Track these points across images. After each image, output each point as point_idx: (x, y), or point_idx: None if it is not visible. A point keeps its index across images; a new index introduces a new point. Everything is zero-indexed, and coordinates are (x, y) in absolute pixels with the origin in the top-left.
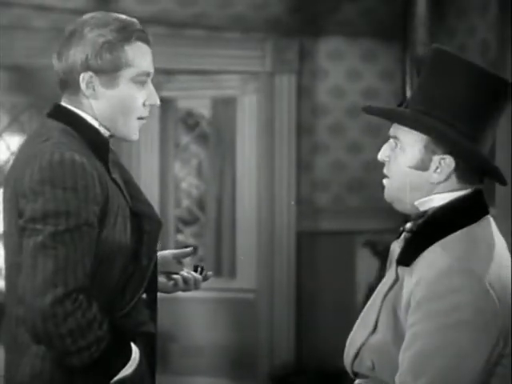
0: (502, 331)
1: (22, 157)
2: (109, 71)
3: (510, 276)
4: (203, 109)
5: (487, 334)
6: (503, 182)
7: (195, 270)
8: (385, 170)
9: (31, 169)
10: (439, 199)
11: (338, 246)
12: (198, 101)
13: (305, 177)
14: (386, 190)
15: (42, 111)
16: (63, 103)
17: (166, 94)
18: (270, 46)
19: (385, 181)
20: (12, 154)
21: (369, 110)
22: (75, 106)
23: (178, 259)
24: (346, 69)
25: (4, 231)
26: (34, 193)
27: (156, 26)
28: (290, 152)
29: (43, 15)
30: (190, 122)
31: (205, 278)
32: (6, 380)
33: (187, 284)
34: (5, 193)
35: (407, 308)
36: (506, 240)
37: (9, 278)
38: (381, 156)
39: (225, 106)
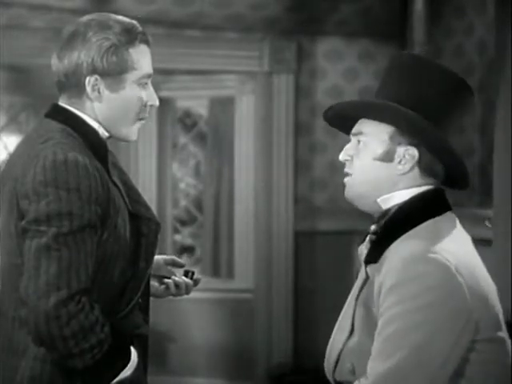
0: (473, 316)
1: (22, 157)
2: (114, 74)
3: (479, 268)
4: (201, 109)
5: (456, 315)
6: (464, 182)
7: (186, 275)
8: (346, 169)
9: (33, 169)
10: (401, 196)
11: (336, 245)
12: (195, 101)
13: (303, 176)
14: (347, 188)
15: (40, 111)
16: (61, 104)
17: (163, 93)
18: (268, 46)
19: (346, 179)
20: (10, 154)
21: (334, 107)
22: (75, 107)
23: (170, 265)
24: (343, 68)
25: (0, 232)
26: (37, 194)
27: (153, 26)
28: (288, 152)
29: (41, 15)
30: (187, 121)
31: (195, 283)
32: (3, 383)
33: (178, 288)
34: (2, 193)
35: (378, 300)
36: (505, 241)
37: (5, 280)
38: (343, 156)
39: (223, 106)
